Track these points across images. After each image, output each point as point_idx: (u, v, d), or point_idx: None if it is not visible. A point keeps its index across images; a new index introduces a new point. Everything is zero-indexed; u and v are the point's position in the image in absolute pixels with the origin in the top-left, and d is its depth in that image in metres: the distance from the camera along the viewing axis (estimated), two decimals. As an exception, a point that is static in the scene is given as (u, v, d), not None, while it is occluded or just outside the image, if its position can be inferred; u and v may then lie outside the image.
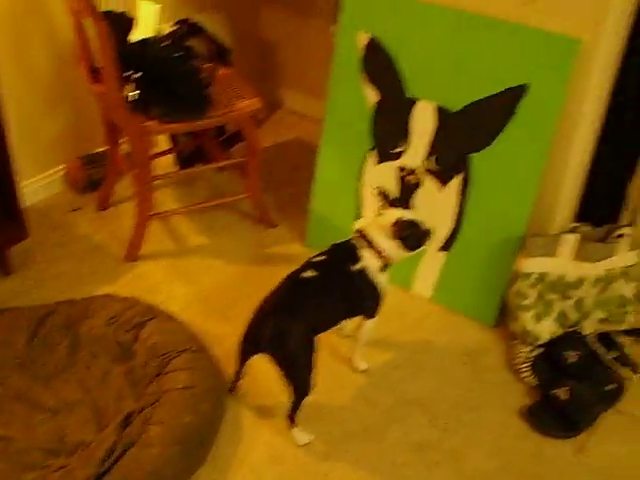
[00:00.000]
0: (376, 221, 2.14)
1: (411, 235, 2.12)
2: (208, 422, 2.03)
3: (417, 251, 2.18)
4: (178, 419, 1.96)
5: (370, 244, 2.12)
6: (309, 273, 2.08)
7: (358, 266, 2.11)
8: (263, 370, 2.07)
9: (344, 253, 2.14)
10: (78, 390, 2.19)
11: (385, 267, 2.15)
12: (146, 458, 1.88)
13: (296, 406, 2.03)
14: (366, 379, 2.30)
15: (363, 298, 2.18)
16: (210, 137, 3.12)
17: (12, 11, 2.73)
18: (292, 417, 2.05)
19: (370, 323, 2.24)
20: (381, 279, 2.16)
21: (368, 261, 2.12)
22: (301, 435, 2.09)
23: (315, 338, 2.02)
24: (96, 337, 2.31)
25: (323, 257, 2.14)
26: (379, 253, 2.12)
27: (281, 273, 2.25)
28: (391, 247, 2.12)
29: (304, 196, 2.84)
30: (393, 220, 2.10)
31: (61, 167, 3.13)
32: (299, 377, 2.00)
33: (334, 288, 2.10)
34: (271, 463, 2.04)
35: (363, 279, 2.12)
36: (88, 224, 2.96)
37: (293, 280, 2.09)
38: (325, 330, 2.12)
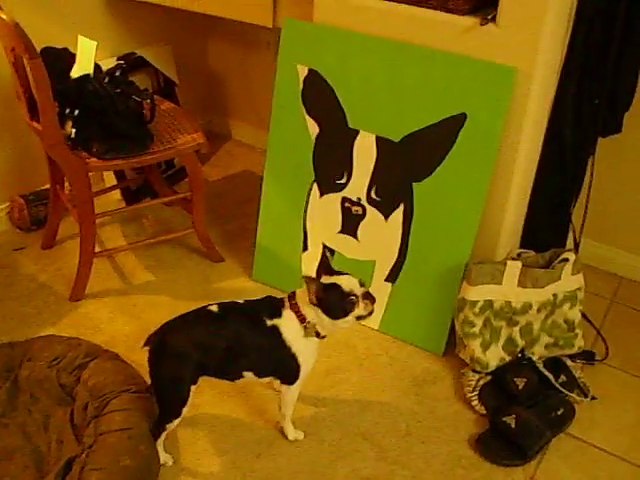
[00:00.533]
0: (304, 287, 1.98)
1: (328, 300, 1.93)
2: (147, 464, 1.97)
3: (346, 320, 1.96)
4: (117, 463, 1.90)
5: (294, 306, 1.99)
6: (216, 308, 2.02)
7: (273, 322, 1.98)
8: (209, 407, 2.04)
9: (267, 305, 2.03)
10: (18, 436, 2.12)
11: (312, 335, 1.99)
12: (88, 506, 1.83)
13: (157, 425, 2.03)
14: (313, 414, 2.27)
15: (273, 360, 2.03)
16: (156, 172, 3.10)
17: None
18: (154, 433, 2.02)
19: (287, 390, 2.08)
20: (300, 347, 2.00)
21: (285, 322, 1.98)
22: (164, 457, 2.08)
23: (198, 374, 1.98)
24: (37, 380, 2.25)
25: (242, 302, 2.06)
26: (302, 319, 1.97)
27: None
28: (312, 314, 1.96)
29: (252, 229, 2.82)
30: (315, 284, 1.94)
31: (5, 205, 3.08)
32: (163, 399, 2.02)
33: (240, 334, 1.99)
34: (217, 504, 2.00)
35: (275, 338, 1.98)
36: (33, 263, 2.91)
37: (203, 309, 2.04)
38: (221, 376, 2.05)
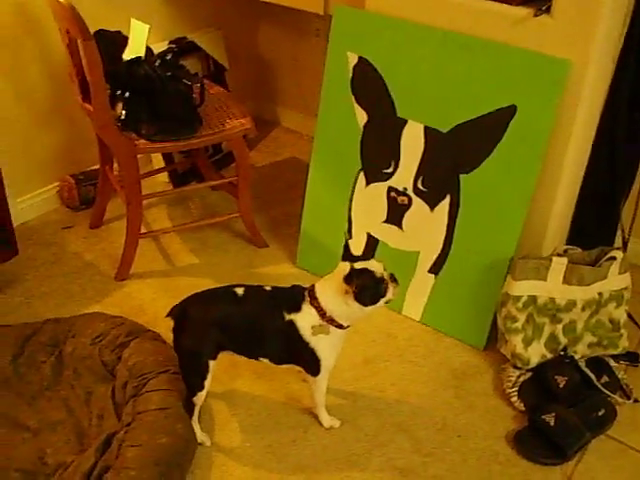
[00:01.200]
0: (328, 277, 1.98)
1: (364, 285, 1.89)
2: (184, 443, 2.00)
3: (375, 306, 1.94)
4: (154, 440, 1.93)
5: (314, 301, 1.96)
6: (241, 291, 2.03)
7: (291, 316, 1.96)
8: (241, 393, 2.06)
9: (290, 297, 2.00)
10: (61, 409, 2.17)
11: (324, 332, 1.96)
12: (124, 481, 1.86)
13: (186, 400, 2.06)
14: (352, 403, 2.27)
15: (290, 352, 2.02)
16: (204, 156, 3.12)
17: (7, 30, 2.75)
18: (186, 410, 2.06)
19: (313, 381, 2.07)
20: (320, 342, 1.98)
21: (304, 316, 1.96)
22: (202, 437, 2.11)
23: (216, 350, 2.01)
24: (81, 356, 2.30)
25: (268, 288, 2.05)
26: (322, 312, 1.94)
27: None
28: (337, 304, 1.93)
29: (297, 216, 2.83)
30: (346, 271, 1.92)
31: (54, 185, 3.14)
32: (184, 372, 2.06)
33: (257, 322, 2.00)
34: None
35: (291, 333, 1.97)
36: (80, 242, 2.96)
37: (228, 289, 2.05)
38: (241, 354, 2.06)
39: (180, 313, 2.02)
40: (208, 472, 2.04)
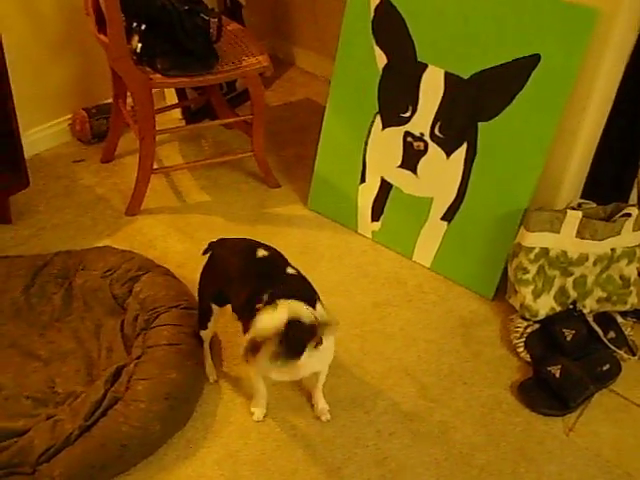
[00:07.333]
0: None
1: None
2: (193, 379, 2.03)
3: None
4: (164, 375, 1.96)
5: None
6: (264, 252, 1.95)
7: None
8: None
9: (298, 296, 1.77)
10: (71, 340, 2.19)
11: None
12: (133, 413, 1.89)
13: (196, 332, 2.11)
14: (359, 346, 2.29)
15: None
16: (218, 93, 3.08)
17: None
18: (196, 339, 2.10)
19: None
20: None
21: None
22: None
23: (219, 299, 2.00)
24: (91, 289, 2.31)
25: (290, 272, 1.91)
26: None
27: (281, 234, 2.22)
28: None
29: (310, 158, 2.81)
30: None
31: (67, 117, 3.11)
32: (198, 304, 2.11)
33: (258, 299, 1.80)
34: (257, 424, 2.04)
35: None
36: (91, 176, 2.94)
37: (253, 248, 1.98)
38: (234, 310, 1.95)
39: (210, 250, 2.05)
40: (215, 408, 2.07)
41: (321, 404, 2.07)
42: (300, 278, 1.92)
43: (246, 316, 1.79)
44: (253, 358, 1.67)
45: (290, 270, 1.92)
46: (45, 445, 1.83)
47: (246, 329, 1.77)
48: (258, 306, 1.74)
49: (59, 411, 1.94)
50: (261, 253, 1.95)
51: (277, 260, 1.97)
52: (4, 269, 2.34)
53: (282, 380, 1.96)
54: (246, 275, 1.92)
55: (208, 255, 2.06)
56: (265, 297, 1.74)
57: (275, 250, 2.00)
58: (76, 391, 2.01)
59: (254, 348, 1.66)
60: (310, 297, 1.80)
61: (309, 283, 1.91)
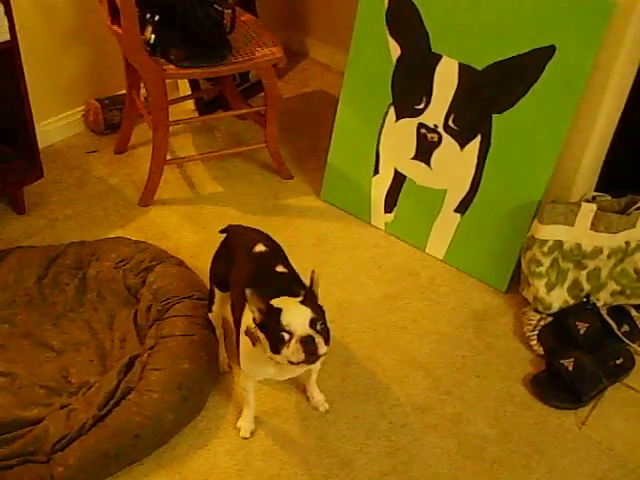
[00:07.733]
0: None
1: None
2: (206, 370, 2.04)
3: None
4: (177, 365, 1.97)
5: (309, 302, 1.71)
6: (262, 248, 1.93)
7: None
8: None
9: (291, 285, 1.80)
10: (85, 331, 2.20)
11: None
12: (147, 403, 1.90)
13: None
14: (370, 338, 2.29)
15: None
16: (231, 84, 3.08)
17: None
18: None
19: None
20: None
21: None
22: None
23: (221, 284, 2.02)
24: (105, 279, 2.32)
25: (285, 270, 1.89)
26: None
27: (293, 225, 2.21)
28: None
29: (323, 149, 2.80)
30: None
31: (80, 109, 3.11)
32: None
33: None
34: (270, 414, 2.05)
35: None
36: (104, 167, 2.95)
37: (260, 241, 1.97)
38: (231, 299, 1.96)
39: (227, 231, 2.08)
40: (227, 398, 2.08)
41: (316, 396, 2.08)
42: (289, 276, 1.88)
43: (237, 310, 1.85)
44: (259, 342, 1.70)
45: (280, 268, 1.88)
46: (59, 434, 1.84)
47: (237, 323, 1.83)
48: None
49: (73, 401, 1.96)
50: (258, 248, 1.94)
51: (269, 257, 1.93)
52: (18, 259, 2.36)
53: (279, 379, 1.96)
54: (241, 268, 1.92)
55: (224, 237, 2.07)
56: (248, 293, 1.65)
57: (275, 246, 2.00)
58: (89, 381, 2.02)
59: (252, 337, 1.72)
60: (295, 296, 1.73)
61: (299, 281, 1.86)
